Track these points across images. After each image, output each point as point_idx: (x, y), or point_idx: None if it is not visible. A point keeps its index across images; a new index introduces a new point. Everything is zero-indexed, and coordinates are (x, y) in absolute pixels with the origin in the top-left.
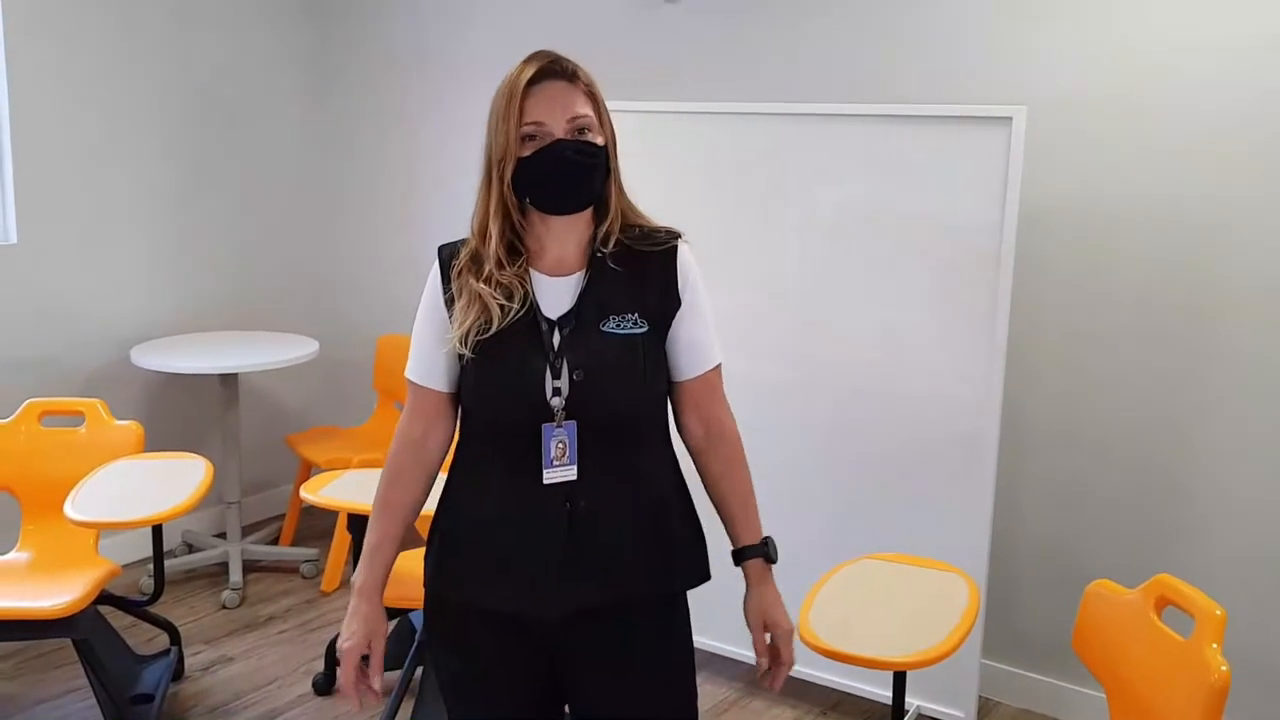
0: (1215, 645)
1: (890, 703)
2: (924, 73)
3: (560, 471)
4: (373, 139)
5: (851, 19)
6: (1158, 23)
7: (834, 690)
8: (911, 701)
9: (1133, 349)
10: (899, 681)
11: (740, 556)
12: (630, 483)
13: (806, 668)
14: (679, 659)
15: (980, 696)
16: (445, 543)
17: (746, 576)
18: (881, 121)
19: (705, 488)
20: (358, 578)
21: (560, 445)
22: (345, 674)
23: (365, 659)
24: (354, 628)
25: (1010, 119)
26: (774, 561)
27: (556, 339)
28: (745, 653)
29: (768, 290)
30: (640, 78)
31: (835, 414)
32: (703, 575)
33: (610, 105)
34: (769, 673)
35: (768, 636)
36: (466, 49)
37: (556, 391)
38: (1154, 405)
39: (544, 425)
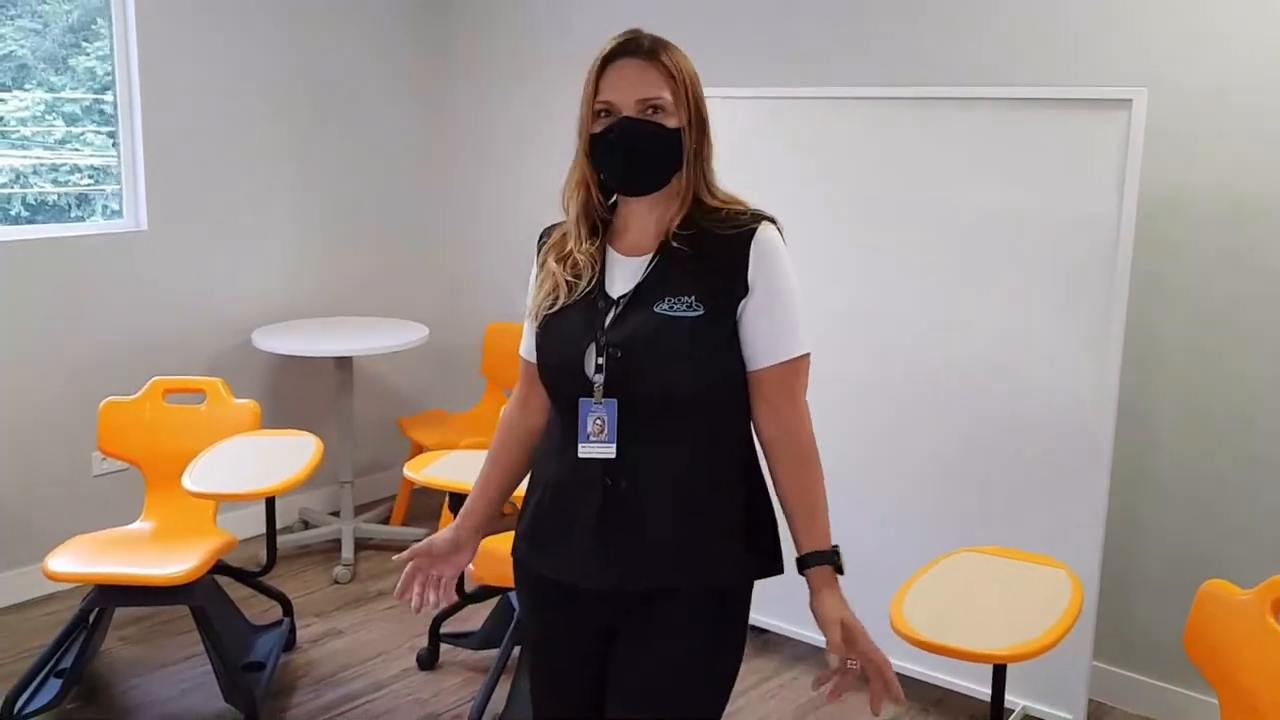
0: None
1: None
2: (1038, 55)
3: (596, 448)
4: (484, 133)
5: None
6: None
7: (936, 687)
8: (1018, 701)
9: (1263, 342)
10: (998, 676)
11: (803, 564)
12: (674, 469)
13: (908, 663)
14: (707, 653)
15: (1092, 700)
16: (524, 507)
17: (810, 583)
18: (992, 105)
19: (774, 487)
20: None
21: (598, 422)
22: (407, 570)
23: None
24: (434, 534)
25: (1130, 101)
26: (841, 572)
27: (610, 317)
28: None
29: (874, 281)
30: (747, 64)
31: (943, 406)
32: (760, 571)
33: (714, 92)
34: (860, 678)
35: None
36: (576, 41)
37: (599, 368)
38: None
39: (581, 400)
